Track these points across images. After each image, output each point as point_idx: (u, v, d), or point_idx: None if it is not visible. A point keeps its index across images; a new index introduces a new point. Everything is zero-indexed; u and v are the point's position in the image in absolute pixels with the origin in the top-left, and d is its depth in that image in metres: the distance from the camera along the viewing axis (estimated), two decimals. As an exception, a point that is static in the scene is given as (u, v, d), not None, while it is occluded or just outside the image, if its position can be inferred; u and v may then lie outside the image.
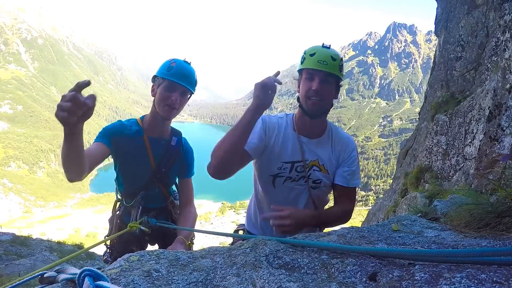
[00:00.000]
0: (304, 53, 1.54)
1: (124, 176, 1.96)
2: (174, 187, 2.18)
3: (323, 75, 1.48)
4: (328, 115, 1.66)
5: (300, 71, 1.57)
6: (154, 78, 1.84)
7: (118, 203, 2.12)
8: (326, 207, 1.80)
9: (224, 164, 1.42)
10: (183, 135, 2.08)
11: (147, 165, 1.91)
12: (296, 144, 1.59)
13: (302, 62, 1.54)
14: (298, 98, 1.61)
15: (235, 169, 1.47)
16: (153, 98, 1.85)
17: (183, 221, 2.00)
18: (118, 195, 2.12)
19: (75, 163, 1.35)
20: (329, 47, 1.51)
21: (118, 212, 2.09)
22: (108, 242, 2.08)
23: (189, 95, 1.87)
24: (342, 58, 1.53)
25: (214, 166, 1.43)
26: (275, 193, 1.64)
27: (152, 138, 1.90)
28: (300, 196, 1.65)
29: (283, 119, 1.67)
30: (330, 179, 1.64)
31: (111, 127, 1.84)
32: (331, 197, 1.81)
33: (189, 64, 1.86)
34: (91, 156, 1.60)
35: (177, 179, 2.10)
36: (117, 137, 1.80)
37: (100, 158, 1.70)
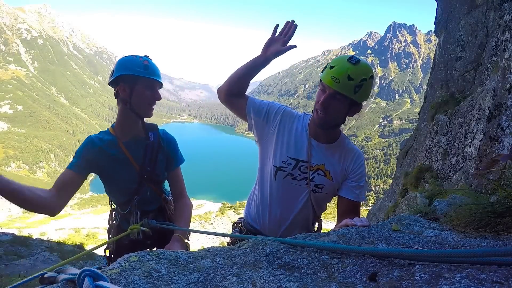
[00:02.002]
0: (328, 63, 1.50)
1: (112, 187, 1.89)
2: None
3: (332, 92, 1.41)
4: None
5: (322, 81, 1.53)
6: (120, 77, 1.71)
7: (114, 212, 2.05)
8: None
9: (228, 86, 1.68)
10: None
11: (131, 170, 1.84)
12: (305, 144, 1.59)
13: (322, 71, 1.49)
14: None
15: (235, 100, 1.72)
16: (121, 99, 1.75)
17: (179, 216, 1.94)
18: (112, 204, 2.06)
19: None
20: (354, 62, 1.39)
21: (114, 222, 2.03)
22: (107, 253, 2.01)
23: None
24: (365, 78, 1.40)
25: (221, 87, 1.71)
26: (275, 186, 1.64)
27: (127, 142, 1.83)
28: (299, 196, 1.64)
29: (301, 117, 1.69)
30: (334, 186, 1.62)
31: (81, 147, 1.76)
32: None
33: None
34: (64, 189, 1.64)
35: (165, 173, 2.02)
36: (91, 155, 1.73)
37: (72, 189, 1.68)
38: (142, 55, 1.80)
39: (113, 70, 1.76)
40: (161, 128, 1.99)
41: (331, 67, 1.43)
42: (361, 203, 1.69)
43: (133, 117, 1.78)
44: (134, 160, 1.83)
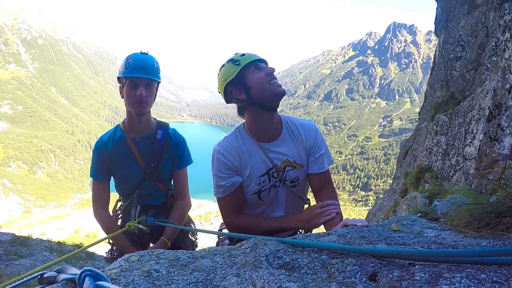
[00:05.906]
0: (237, 57, 1.54)
1: (118, 179, 1.98)
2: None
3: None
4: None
5: (245, 67, 1.50)
6: (119, 80, 1.83)
7: (120, 203, 2.12)
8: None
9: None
10: (178, 131, 2.05)
11: (136, 165, 1.91)
12: (261, 153, 1.55)
13: (243, 56, 1.53)
14: (250, 100, 1.50)
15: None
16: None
17: (172, 216, 1.99)
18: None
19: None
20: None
21: (118, 212, 2.09)
22: (111, 240, 2.06)
23: (156, 85, 1.85)
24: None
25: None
26: (264, 204, 1.64)
27: (135, 138, 1.90)
28: (285, 197, 1.65)
29: (236, 135, 1.59)
30: (305, 172, 1.63)
31: (96, 156, 1.90)
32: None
33: (146, 54, 1.82)
34: (107, 200, 1.99)
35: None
36: (107, 157, 1.88)
37: (108, 195, 2.00)
38: (140, 50, 1.84)
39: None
40: (173, 128, 2.03)
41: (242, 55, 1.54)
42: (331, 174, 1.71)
43: (132, 115, 1.85)
44: (141, 156, 1.90)
